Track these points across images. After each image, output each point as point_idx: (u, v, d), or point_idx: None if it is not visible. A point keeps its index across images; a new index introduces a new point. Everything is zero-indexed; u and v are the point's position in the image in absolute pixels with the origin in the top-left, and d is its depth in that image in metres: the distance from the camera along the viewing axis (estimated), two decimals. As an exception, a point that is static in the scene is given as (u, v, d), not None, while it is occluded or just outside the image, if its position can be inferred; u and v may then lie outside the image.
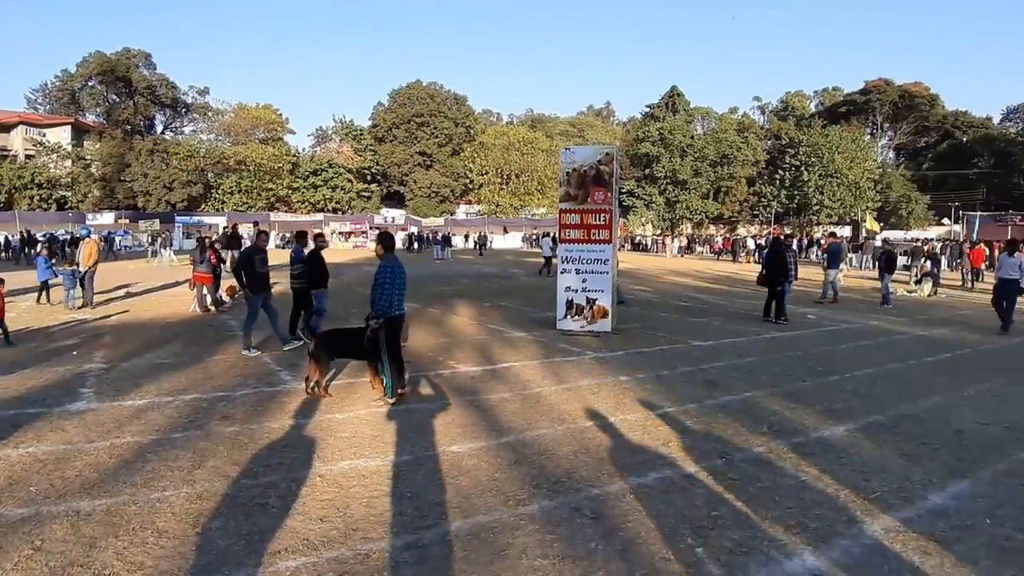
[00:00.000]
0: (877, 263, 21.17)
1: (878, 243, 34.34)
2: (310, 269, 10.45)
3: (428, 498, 4.63)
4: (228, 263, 23.70)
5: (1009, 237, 12.84)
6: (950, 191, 66.87)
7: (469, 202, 76.29)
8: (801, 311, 13.96)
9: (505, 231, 58.91)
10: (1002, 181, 65.26)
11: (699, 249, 54.63)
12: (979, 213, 51.92)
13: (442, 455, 5.48)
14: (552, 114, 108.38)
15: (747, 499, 4.65)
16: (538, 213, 70.49)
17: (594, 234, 11.71)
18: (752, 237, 48.83)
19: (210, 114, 74.42)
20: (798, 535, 4.11)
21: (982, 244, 29.62)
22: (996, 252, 35.52)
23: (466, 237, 52.87)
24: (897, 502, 4.63)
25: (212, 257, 14.51)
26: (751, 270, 28.66)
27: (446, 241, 41.89)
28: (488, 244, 60.08)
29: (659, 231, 67.41)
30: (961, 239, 41.42)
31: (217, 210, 63.83)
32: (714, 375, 8.60)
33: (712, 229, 70.34)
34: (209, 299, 14.40)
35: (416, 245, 52.17)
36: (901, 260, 25.40)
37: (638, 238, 63.04)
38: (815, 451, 5.66)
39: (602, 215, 11.69)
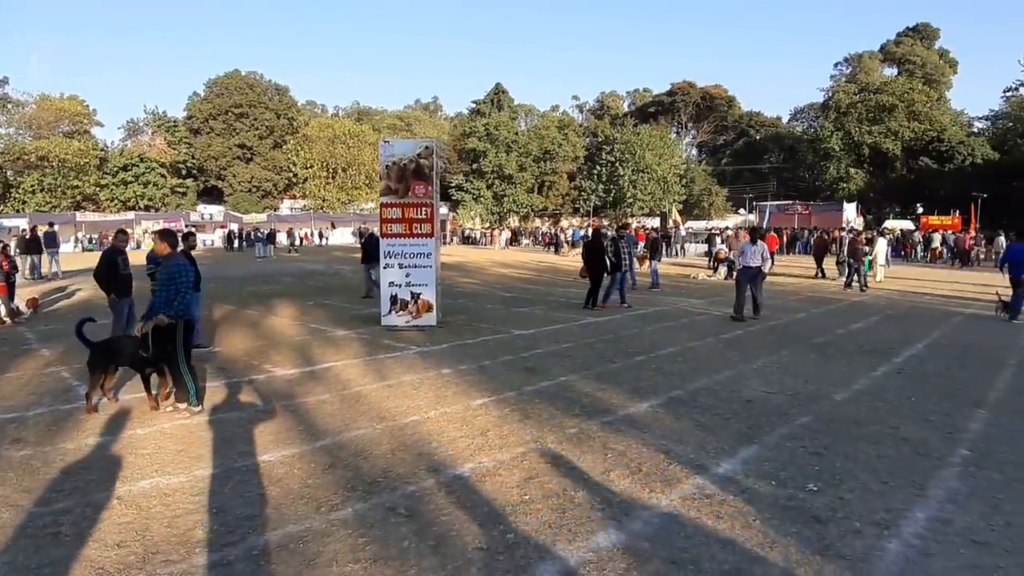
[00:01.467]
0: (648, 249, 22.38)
1: (683, 232, 36.83)
2: (106, 273, 9.49)
3: (236, 512, 4.30)
4: (27, 269, 21.39)
5: (752, 225, 13.93)
6: (745, 184, 73.35)
7: (294, 197, 73.04)
8: (614, 298, 14.64)
9: (333, 226, 57.07)
10: (790, 174, 72.32)
11: (525, 241, 56.09)
12: (770, 203, 57.21)
13: (253, 465, 5.12)
14: (379, 107, 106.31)
15: (557, 480, 4.73)
16: (366, 208, 69.05)
17: (416, 228, 11.57)
18: (572, 229, 50.75)
19: (9, 106, 65.89)
20: (603, 511, 4.22)
21: (772, 231, 32.82)
22: (784, 239, 39.58)
23: (289, 233, 50.64)
24: (694, 471, 4.90)
25: (4, 264, 12.88)
26: (574, 261, 29.79)
27: (269, 238, 40.04)
28: (325, 239, 58.09)
29: (487, 224, 68.39)
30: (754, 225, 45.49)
31: (17, 211, 56.71)
32: (533, 362, 8.77)
33: (537, 222, 72.36)
34: (3, 310, 12.68)
35: (236, 243, 49.37)
36: (701, 247, 27.57)
37: (467, 231, 63.61)
38: (622, 428, 5.89)
39: (423, 209, 11.57)
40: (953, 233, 37.71)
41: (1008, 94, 72.55)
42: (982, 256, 34.63)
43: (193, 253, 10.10)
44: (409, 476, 4.86)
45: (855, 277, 18.99)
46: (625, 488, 4.59)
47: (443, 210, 59.98)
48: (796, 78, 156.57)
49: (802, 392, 7.26)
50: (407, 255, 11.58)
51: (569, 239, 43.83)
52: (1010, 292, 13.34)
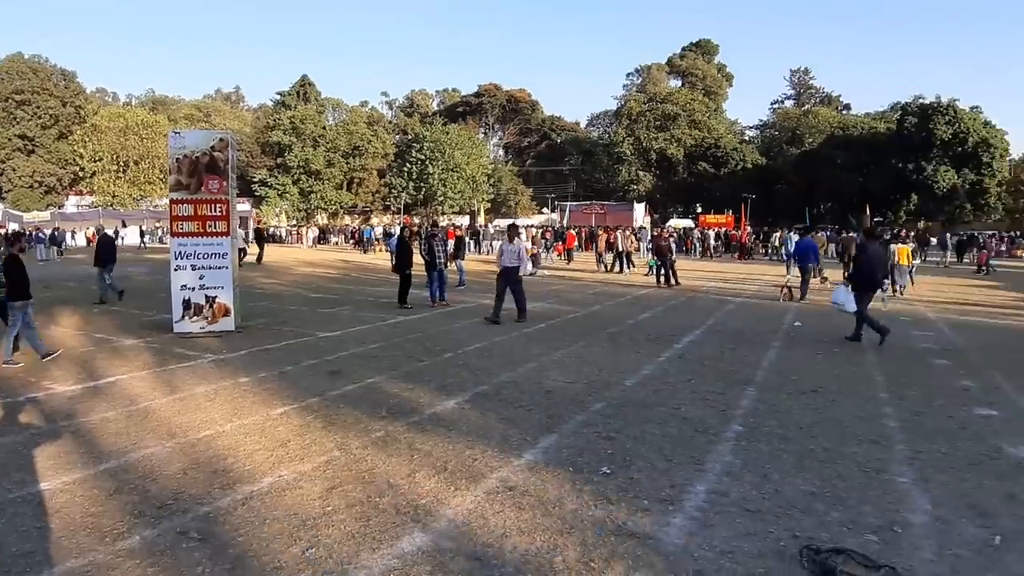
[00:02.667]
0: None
1: (491, 230, 37.53)
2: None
3: (11, 549, 3.68)
4: None
5: (511, 225, 14.31)
6: (548, 184, 76.58)
7: (80, 193, 65.35)
8: (424, 295, 14.60)
9: (124, 224, 51.72)
10: (588, 176, 76.46)
11: (334, 240, 54.44)
12: (570, 203, 60.06)
13: (29, 495, 4.43)
14: (176, 96, 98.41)
15: (362, 488, 4.55)
16: (160, 204, 63.45)
17: (210, 226, 10.77)
18: (368, 227, 49.99)
19: None
20: (408, 514, 4.11)
21: (572, 229, 34.44)
22: (583, 236, 41.67)
23: (73, 234, 45.23)
24: (497, 464, 4.94)
25: None
26: (383, 259, 29.37)
27: (53, 239, 35.59)
28: (120, 239, 52.26)
29: (294, 222, 65.61)
30: (557, 226, 47.55)
31: None
32: (338, 365, 8.45)
33: (347, 219, 70.58)
34: None
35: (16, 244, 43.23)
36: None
37: (272, 229, 60.55)
38: (428, 427, 5.82)
39: (218, 205, 10.79)
40: (727, 230, 41.82)
41: (775, 106, 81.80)
42: (762, 251, 38.82)
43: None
44: (203, 496, 4.44)
45: (628, 267, 20.57)
46: (431, 489, 4.51)
47: (245, 207, 56.75)
48: (593, 86, 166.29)
49: (597, 380, 7.61)
50: (200, 255, 10.74)
51: (378, 237, 43.15)
52: (798, 280, 15.26)
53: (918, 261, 22.78)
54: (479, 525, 3.97)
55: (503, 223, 53.37)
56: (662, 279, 19.56)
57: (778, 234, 35.57)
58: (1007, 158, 59.01)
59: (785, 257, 28.84)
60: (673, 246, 20.53)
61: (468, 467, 4.89)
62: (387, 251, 29.13)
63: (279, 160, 67.31)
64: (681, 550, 3.68)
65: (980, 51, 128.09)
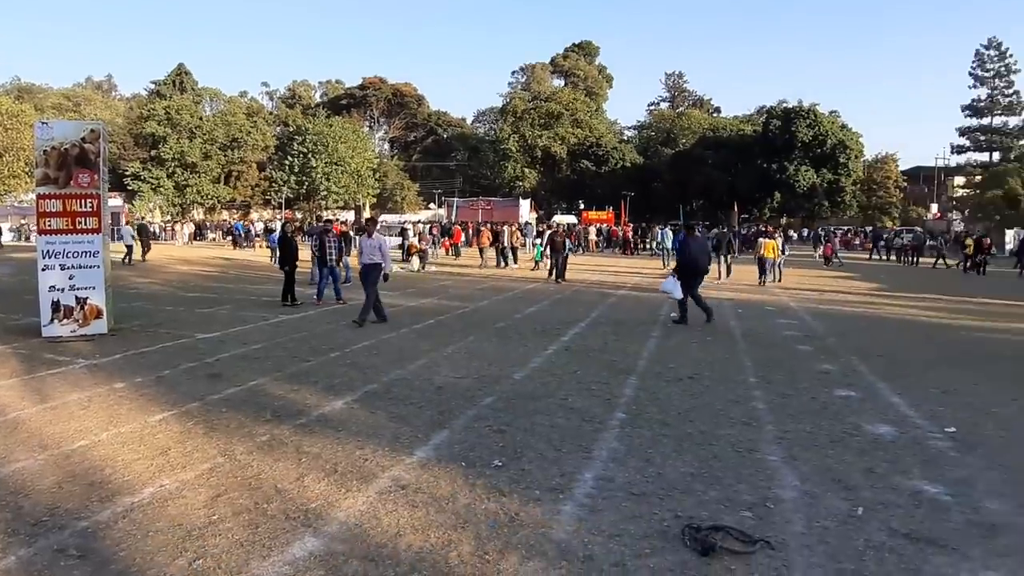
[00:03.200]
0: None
1: (378, 226, 36.66)
2: None
3: None
4: None
5: (368, 218, 13.95)
6: (435, 179, 76.25)
7: (-62, 188, 58.76)
8: (310, 292, 14.20)
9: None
10: (474, 172, 76.78)
11: (211, 236, 51.91)
12: (457, 199, 60.09)
13: None
14: (44, 84, 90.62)
15: (248, 494, 4.36)
16: (26, 200, 58.15)
17: (80, 223, 10.00)
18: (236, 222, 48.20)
19: None
20: (298, 519, 3.98)
21: (458, 225, 34.48)
22: (470, 232, 41.77)
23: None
24: (388, 463, 4.86)
25: None
26: (264, 256, 28.32)
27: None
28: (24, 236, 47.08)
29: (169, 217, 61.98)
30: (444, 221, 47.42)
31: None
32: (219, 367, 8.06)
33: (225, 214, 67.45)
34: None
35: None
36: (395, 240, 28.27)
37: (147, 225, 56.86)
38: (316, 429, 5.65)
39: (88, 201, 10.04)
40: (608, 226, 43.10)
41: (651, 108, 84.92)
42: (643, 246, 40.25)
43: None
44: (80, 510, 4.11)
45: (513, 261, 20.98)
46: (321, 492, 4.38)
47: (116, 202, 53.09)
48: (479, 82, 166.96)
49: (487, 374, 7.66)
50: (70, 254, 9.97)
51: (258, 233, 41.55)
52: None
53: (785, 255, 24.33)
54: (372, 526, 3.90)
55: (390, 218, 52.73)
56: (554, 274, 19.86)
57: (656, 229, 37.14)
58: (861, 159, 64.04)
59: (660, 251, 30.28)
60: (567, 242, 20.88)
61: (359, 467, 4.80)
62: (268, 247, 28.11)
63: (153, 152, 63.38)
64: (572, 536, 3.75)
65: (839, 60, 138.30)
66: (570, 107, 72.81)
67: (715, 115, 79.38)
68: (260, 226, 43.42)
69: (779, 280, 20.64)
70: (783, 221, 58.53)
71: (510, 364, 8.20)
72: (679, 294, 11.64)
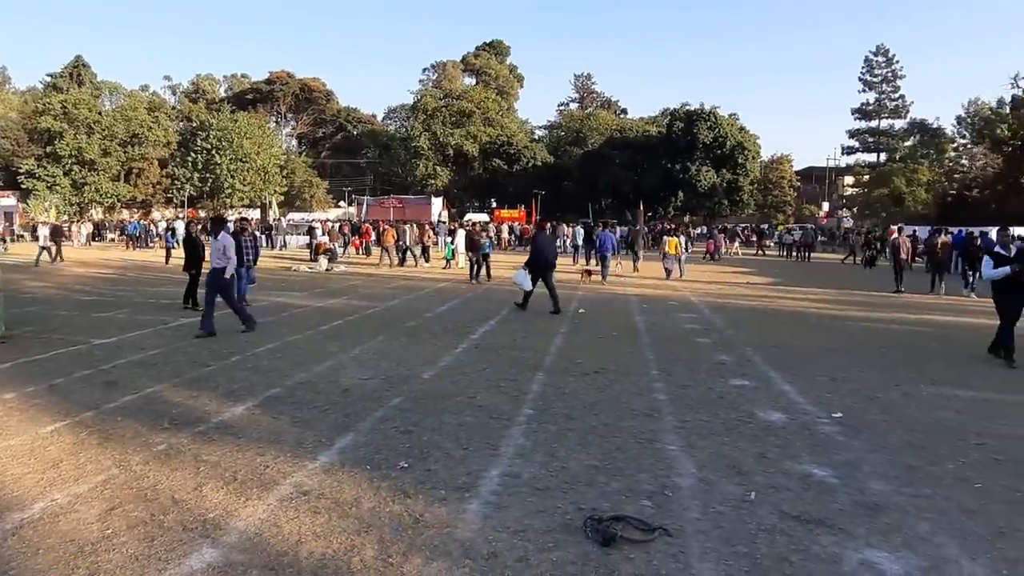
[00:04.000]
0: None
1: (284, 225, 36.04)
2: None
3: None
4: None
5: (214, 218, 12.99)
6: (345, 177, 74.79)
7: None
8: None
9: None
10: (385, 170, 75.73)
11: (111, 236, 49.04)
12: (367, 197, 59.16)
13: None
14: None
15: (144, 506, 4.13)
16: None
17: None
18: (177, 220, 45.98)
19: None
20: (196, 530, 3.80)
21: (368, 223, 33.97)
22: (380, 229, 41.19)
23: None
24: (291, 469, 4.72)
25: None
26: (159, 256, 27.04)
27: None
28: None
29: (65, 217, 58.16)
30: (355, 220, 46.60)
31: None
32: (115, 374, 7.61)
33: (125, 213, 63.87)
34: None
35: None
36: (303, 239, 27.66)
37: (40, 225, 53.10)
38: (215, 436, 5.42)
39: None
40: (520, 224, 43.42)
41: (561, 108, 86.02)
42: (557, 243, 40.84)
43: None
44: (-39, 530, 3.80)
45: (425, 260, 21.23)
46: (219, 501, 4.20)
47: (10, 201, 49.52)
48: (390, 79, 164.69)
49: (395, 375, 7.55)
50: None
51: (160, 232, 39.61)
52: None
53: (687, 252, 25.21)
54: (272, 534, 3.78)
55: (297, 217, 51.37)
56: (478, 273, 19.65)
57: (563, 227, 37.74)
58: (758, 160, 66.89)
59: (572, 249, 30.80)
60: (485, 241, 20.83)
61: (260, 475, 4.63)
62: (164, 248, 26.82)
63: (49, 149, 59.21)
64: (476, 535, 3.75)
65: (738, 65, 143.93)
66: (482, 106, 72.83)
67: (622, 116, 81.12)
68: (163, 225, 41.32)
69: (682, 276, 21.37)
70: (686, 219, 60.50)
71: (419, 363, 8.12)
72: (528, 286, 12.86)
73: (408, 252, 25.93)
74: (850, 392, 7.22)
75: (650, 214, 56.79)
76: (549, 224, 18.97)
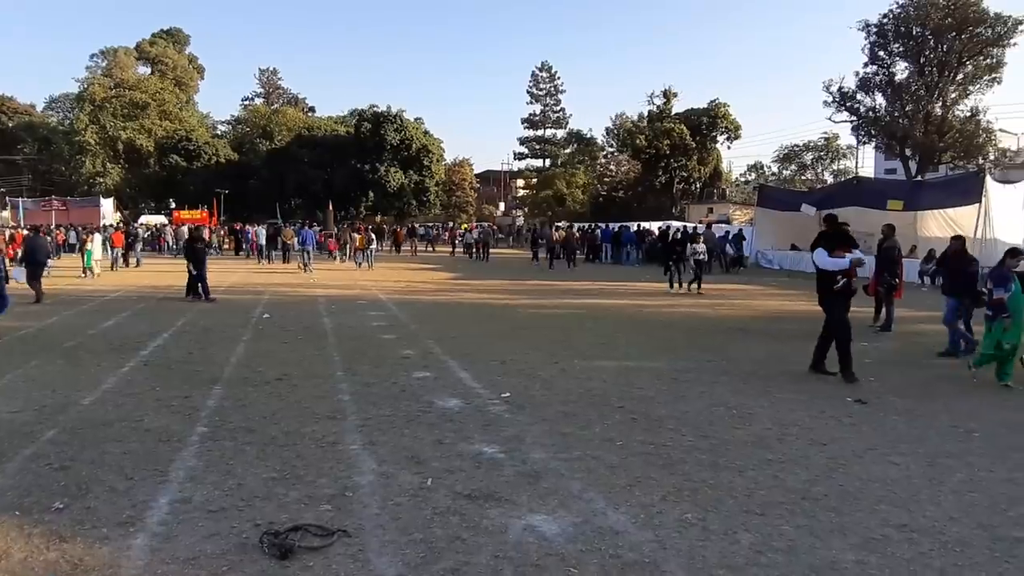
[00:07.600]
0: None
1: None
2: None
3: None
4: None
5: (15, 224, 12.00)
6: (-1, 177, 62.21)
7: None
8: None
9: None
10: (47, 167, 64.70)
11: None
12: (25, 199, 50.04)
13: None
14: None
15: None
16: None
17: None
18: None
19: None
20: None
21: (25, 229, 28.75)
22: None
23: None
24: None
25: None
26: None
27: None
28: None
29: None
30: (10, 225, 38.81)
31: None
32: None
33: None
34: None
35: None
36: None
37: None
38: None
39: None
40: (208, 227, 39.83)
41: (246, 103, 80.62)
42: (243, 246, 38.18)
43: None
44: None
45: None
46: None
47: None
48: (52, 65, 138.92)
49: (49, 404, 6.48)
50: None
51: None
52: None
53: (374, 247, 25.68)
54: None
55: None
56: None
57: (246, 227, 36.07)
58: (442, 162, 69.71)
59: (256, 251, 30.01)
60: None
61: None
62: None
63: None
64: (143, 571, 3.41)
65: (423, 71, 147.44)
66: (157, 97, 65.28)
67: (310, 115, 78.56)
68: None
69: (371, 267, 23.74)
70: (378, 219, 60.94)
71: (78, 388, 7.05)
72: (23, 279, 13.69)
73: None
74: (517, 372, 7.96)
75: (342, 213, 56.23)
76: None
